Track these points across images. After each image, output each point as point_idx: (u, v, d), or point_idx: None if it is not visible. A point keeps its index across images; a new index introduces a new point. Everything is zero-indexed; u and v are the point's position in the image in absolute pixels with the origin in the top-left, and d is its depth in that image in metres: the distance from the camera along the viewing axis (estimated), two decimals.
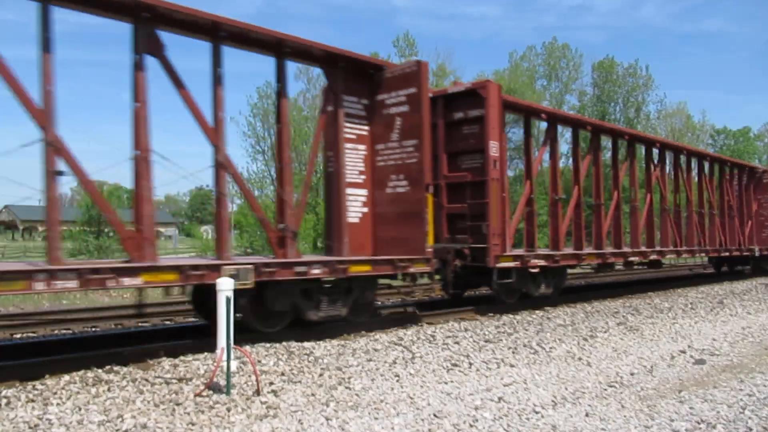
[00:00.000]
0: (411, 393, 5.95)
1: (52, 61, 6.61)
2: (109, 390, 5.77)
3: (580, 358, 7.72)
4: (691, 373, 7.13)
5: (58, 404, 5.34)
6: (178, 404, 5.36)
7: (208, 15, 7.69)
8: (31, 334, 9.59)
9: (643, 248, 15.65)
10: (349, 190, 9.50)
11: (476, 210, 11.20)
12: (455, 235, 11.62)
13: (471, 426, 5.04)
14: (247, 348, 7.31)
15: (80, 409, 5.20)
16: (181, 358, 7.10)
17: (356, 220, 9.63)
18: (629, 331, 9.70)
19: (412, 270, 9.37)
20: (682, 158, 18.15)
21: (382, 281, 9.93)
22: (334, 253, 9.29)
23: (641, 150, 16.43)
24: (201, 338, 8.03)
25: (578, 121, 14.80)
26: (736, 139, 70.57)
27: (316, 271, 8.34)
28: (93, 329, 10.19)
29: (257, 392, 5.76)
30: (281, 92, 8.96)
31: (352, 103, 9.66)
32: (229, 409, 5.26)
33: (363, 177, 9.78)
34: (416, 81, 9.38)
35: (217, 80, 8.02)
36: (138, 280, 6.86)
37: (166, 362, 6.87)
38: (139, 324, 10.60)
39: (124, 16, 7.32)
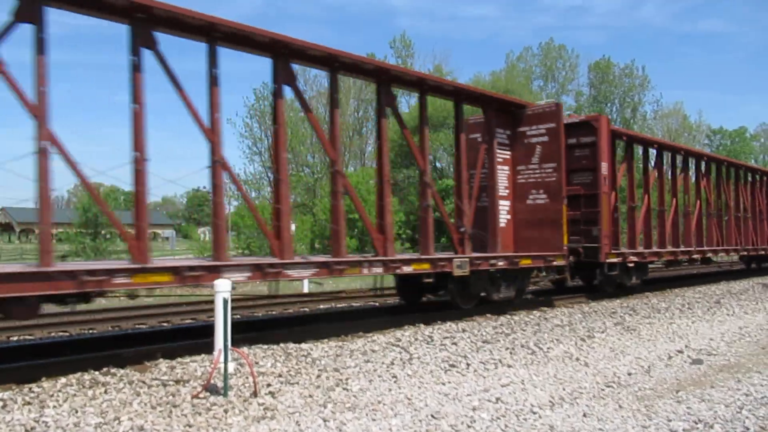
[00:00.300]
0: (409, 394, 5.94)
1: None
2: (106, 392, 5.76)
3: (577, 359, 7.72)
4: (688, 373, 7.14)
5: (54, 407, 5.32)
6: (175, 406, 5.35)
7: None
8: (27, 337, 9.56)
9: (704, 247, 18.51)
10: (500, 202, 12.17)
11: (588, 217, 13.80)
12: (569, 237, 13.61)
13: (468, 427, 5.03)
14: (245, 349, 7.30)
15: (77, 411, 5.19)
16: (179, 359, 7.08)
17: (504, 225, 12.30)
18: (627, 331, 9.71)
19: (555, 263, 12.04)
20: (723, 169, 20.31)
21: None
22: (489, 251, 11.70)
23: (691, 162, 19.09)
24: (198, 339, 8.02)
25: (648, 141, 17.37)
26: (732, 140, 70.76)
27: (500, 264, 11.11)
28: (90, 331, 10.17)
29: (255, 394, 5.75)
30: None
31: (500, 134, 12.36)
32: (226, 411, 5.25)
33: (507, 191, 12.54)
34: (555, 118, 12.23)
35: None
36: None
37: (163, 364, 6.86)
38: (136, 326, 10.58)
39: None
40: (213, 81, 7.97)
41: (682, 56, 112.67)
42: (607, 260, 13.46)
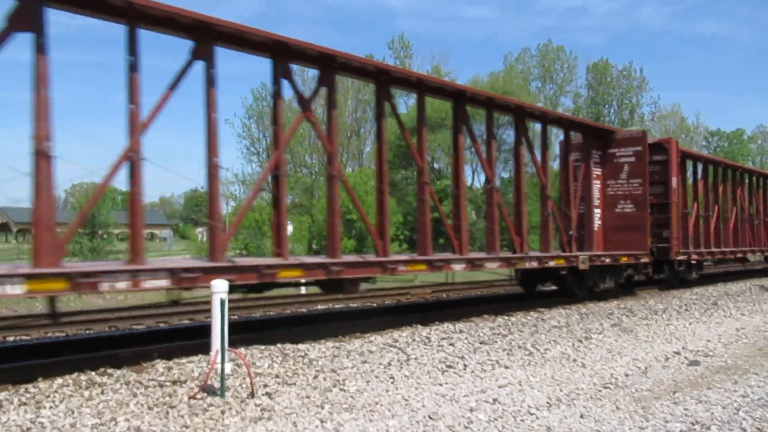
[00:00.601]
0: (406, 395, 5.94)
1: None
2: (102, 393, 5.74)
3: (574, 360, 7.72)
4: (685, 375, 7.14)
5: (50, 407, 5.30)
6: (171, 407, 5.33)
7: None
8: (24, 337, 9.54)
9: (741, 248, 21.35)
10: (594, 210, 15.11)
11: (659, 222, 16.17)
12: None
13: (466, 428, 5.03)
14: (242, 350, 7.28)
15: (73, 412, 5.17)
16: (175, 360, 7.06)
17: (596, 229, 15.10)
18: (624, 333, 9.72)
19: (641, 261, 14.96)
20: (753, 179, 23.03)
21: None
22: (586, 249, 14.30)
23: (729, 173, 21.28)
24: (195, 340, 8.01)
25: (696, 156, 20.39)
26: (729, 141, 70.92)
27: (607, 261, 13.85)
28: (87, 331, 10.15)
29: (252, 395, 5.74)
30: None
31: (594, 154, 15.17)
32: (223, 412, 5.24)
33: (598, 201, 15.35)
34: (641, 142, 15.24)
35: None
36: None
37: (160, 365, 6.84)
38: (133, 326, 10.56)
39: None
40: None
41: (680, 58, 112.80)
42: (677, 258, 16.18)
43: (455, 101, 11.24)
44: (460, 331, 9.36)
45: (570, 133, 14.57)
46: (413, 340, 8.62)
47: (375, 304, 13.79)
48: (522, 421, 5.25)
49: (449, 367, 7.13)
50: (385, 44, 62.42)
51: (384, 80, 9.98)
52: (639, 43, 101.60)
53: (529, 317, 11.11)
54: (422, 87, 10.79)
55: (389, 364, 7.19)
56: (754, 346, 8.97)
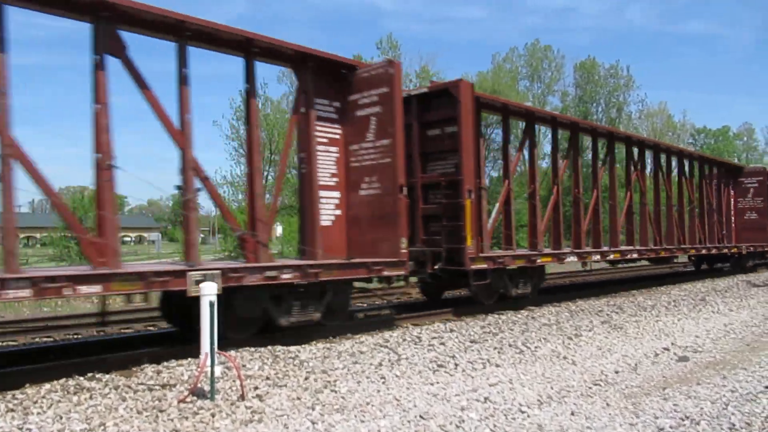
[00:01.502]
0: (397, 395, 5.93)
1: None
2: (91, 398, 5.69)
3: (565, 357, 7.75)
4: (674, 371, 7.19)
5: (38, 413, 5.25)
6: (161, 411, 5.29)
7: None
8: (11, 343, 9.43)
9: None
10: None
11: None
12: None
13: (457, 427, 5.03)
14: (232, 353, 7.25)
15: (61, 417, 5.12)
16: (165, 364, 7.02)
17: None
18: (613, 330, 9.76)
19: None
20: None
21: None
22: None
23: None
24: (185, 343, 7.95)
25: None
26: (715, 138, 71.54)
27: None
28: (75, 336, 10.06)
29: (242, 397, 5.71)
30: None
31: (729, 181, 22.13)
32: (213, 415, 5.21)
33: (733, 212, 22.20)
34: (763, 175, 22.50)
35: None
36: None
37: (149, 368, 6.79)
38: (122, 330, 10.48)
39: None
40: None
41: (667, 57, 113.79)
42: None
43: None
44: (451, 330, 9.37)
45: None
46: (404, 339, 8.62)
47: (365, 304, 13.77)
48: (513, 419, 5.26)
49: (440, 366, 7.13)
50: (374, 45, 62.41)
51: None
52: (627, 42, 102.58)
53: (519, 315, 11.14)
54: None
55: (380, 364, 7.18)
56: (742, 342, 9.04)
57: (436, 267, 11.10)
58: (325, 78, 9.55)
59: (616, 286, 17.45)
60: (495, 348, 8.18)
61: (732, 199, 22.40)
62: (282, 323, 8.44)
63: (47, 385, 6.12)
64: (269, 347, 7.86)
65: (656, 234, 17.52)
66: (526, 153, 14.08)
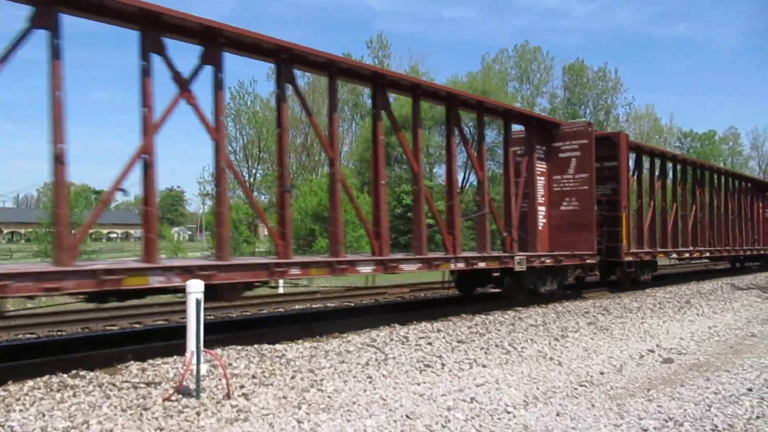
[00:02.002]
0: (384, 394, 5.93)
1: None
2: (74, 395, 5.63)
3: (551, 358, 7.78)
4: (659, 372, 7.24)
5: (21, 410, 5.19)
6: (146, 409, 5.25)
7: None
8: None
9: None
10: None
11: None
12: None
13: (443, 427, 5.04)
14: (218, 351, 7.21)
15: (44, 415, 5.06)
16: (150, 361, 6.97)
17: None
18: (599, 331, 9.83)
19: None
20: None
21: None
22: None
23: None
24: (171, 341, 7.90)
25: None
26: (702, 142, 72.21)
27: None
28: (59, 333, 9.96)
29: (228, 396, 5.68)
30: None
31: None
32: (198, 414, 5.18)
33: None
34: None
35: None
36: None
37: (134, 366, 6.74)
38: (107, 327, 10.39)
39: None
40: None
41: (655, 60, 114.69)
42: None
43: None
44: (438, 330, 9.38)
45: None
46: (391, 339, 8.62)
47: (353, 304, 13.76)
48: (499, 419, 5.27)
49: (427, 366, 7.13)
50: (364, 44, 62.30)
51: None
52: (615, 45, 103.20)
53: (506, 316, 11.18)
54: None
55: (367, 363, 7.17)
56: (726, 344, 9.13)
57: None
58: (540, 131, 13.88)
59: (692, 276, 22.29)
60: (482, 348, 8.20)
61: (760, 209, 26.60)
62: (541, 291, 13.15)
63: (30, 382, 6.05)
64: (256, 345, 7.83)
65: (711, 238, 21.44)
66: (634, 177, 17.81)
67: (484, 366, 7.27)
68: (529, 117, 14.17)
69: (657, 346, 8.75)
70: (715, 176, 22.40)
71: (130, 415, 5.12)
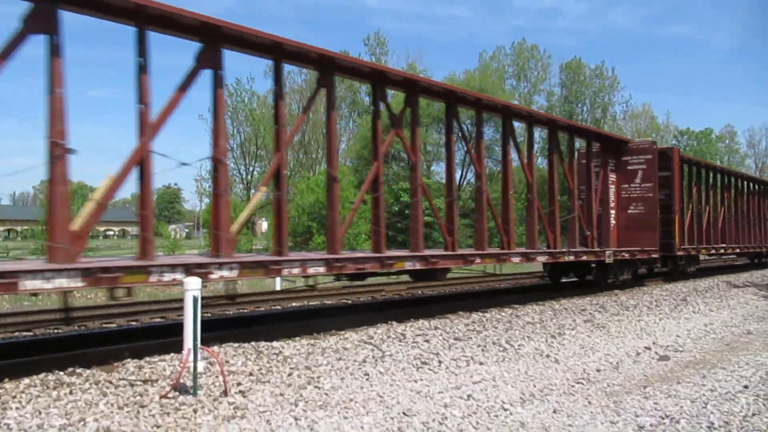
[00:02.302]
0: (381, 392, 5.93)
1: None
2: (71, 393, 5.62)
3: (548, 356, 7.80)
4: (655, 369, 7.26)
5: (17, 408, 5.17)
6: (142, 406, 5.25)
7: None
8: None
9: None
10: None
11: None
12: None
13: (440, 424, 5.04)
14: (215, 348, 7.21)
15: (40, 412, 5.05)
16: (147, 359, 6.96)
17: None
18: (596, 329, 9.84)
19: None
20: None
21: None
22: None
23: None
24: (168, 338, 7.89)
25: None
26: (698, 140, 72.31)
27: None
28: (55, 331, 9.93)
29: (225, 393, 5.68)
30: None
31: None
32: (195, 411, 5.17)
33: None
34: None
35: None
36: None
37: (131, 364, 6.73)
38: (103, 325, 10.37)
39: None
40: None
41: (651, 59, 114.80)
42: None
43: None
44: (435, 328, 9.39)
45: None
46: (388, 336, 8.62)
47: (350, 301, 13.76)
48: (496, 416, 5.28)
49: (424, 363, 7.14)
50: (361, 42, 62.25)
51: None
52: (611, 44, 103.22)
53: (503, 313, 11.19)
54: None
55: (364, 360, 7.17)
56: (722, 341, 9.15)
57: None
58: (609, 147, 16.81)
59: (724, 269, 25.43)
60: (479, 346, 8.21)
61: None
62: (620, 278, 16.19)
63: (26, 380, 6.04)
64: (253, 343, 7.83)
65: (737, 236, 23.85)
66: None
67: (481, 363, 7.28)
68: (604, 136, 17.32)
69: (653, 343, 8.77)
70: (738, 181, 25.27)
71: (127, 412, 5.11)
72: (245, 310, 12.21)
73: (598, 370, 7.09)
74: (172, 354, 7.10)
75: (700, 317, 11.54)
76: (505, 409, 5.47)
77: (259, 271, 8.11)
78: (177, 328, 7.28)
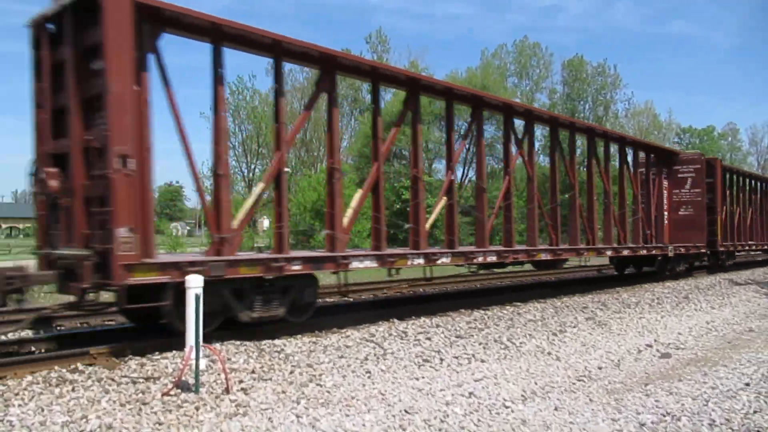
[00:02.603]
0: (382, 389, 5.94)
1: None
2: (73, 390, 5.64)
3: (549, 353, 7.80)
4: (657, 367, 7.26)
5: (20, 405, 5.19)
6: (144, 404, 5.26)
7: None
8: None
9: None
10: None
11: None
12: None
13: (442, 421, 5.05)
14: (217, 346, 7.23)
15: (43, 409, 5.07)
16: (149, 356, 6.98)
17: None
18: (598, 326, 9.85)
19: None
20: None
21: None
22: None
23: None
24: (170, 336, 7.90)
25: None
26: (700, 138, 72.13)
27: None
28: (58, 328, 9.95)
29: (227, 390, 5.69)
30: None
31: None
32: (197, 408, 5.18)
33: None
34: None
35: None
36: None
37: (133, 361, 6.75)
38: (105, 322, 10.38)
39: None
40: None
41: (653, 57, 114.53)
42: None
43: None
44: (437, 326, 9.39)
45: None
46: (390, 334, 8.63)
47: (352, 299, 13.77)
48: (497, 414, 5.29)
49: (426, 361, 7.14)
50: (363, 40, 62.22)
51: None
52: (613, 42, 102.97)
53: (505, 311, 11.20)
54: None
55: (366, 358, 7.18)
56: (724, 339, 9.15)
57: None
58: (663, 158, 19.99)
59: (750, 264, 27.11)
60: (480, 343, 8.22)
61: None
62: (677, 269, 19.18)
63: (29, 377, 6.06)
64: (254, 341, 7.84)
65: (763, 234, 26.82)
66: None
67: (482, 361, 7.29)
68: (660, 149, 20.90)
69: (655, 341, 8.77)
70: (764, 184, 27.76)
71: (129, 409, 5.13)
72: None
73: (600, 368, 7.10)
74: (174, 351, 7.11)
75: (702, 315, 11.53)
76: (507, 407, 5.47)
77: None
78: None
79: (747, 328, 10.14)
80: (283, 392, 5.74)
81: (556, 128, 14.62)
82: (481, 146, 12.52)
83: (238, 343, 7.68)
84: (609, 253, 15.90)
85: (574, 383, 6.38)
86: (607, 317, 10.73)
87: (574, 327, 9.69)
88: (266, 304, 8.30)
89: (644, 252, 17.33)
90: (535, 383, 6.33)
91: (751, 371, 6.92)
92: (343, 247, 9.34)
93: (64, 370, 6.31)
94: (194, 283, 6.01)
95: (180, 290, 6.46)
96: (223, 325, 8.09)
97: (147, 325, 8.27)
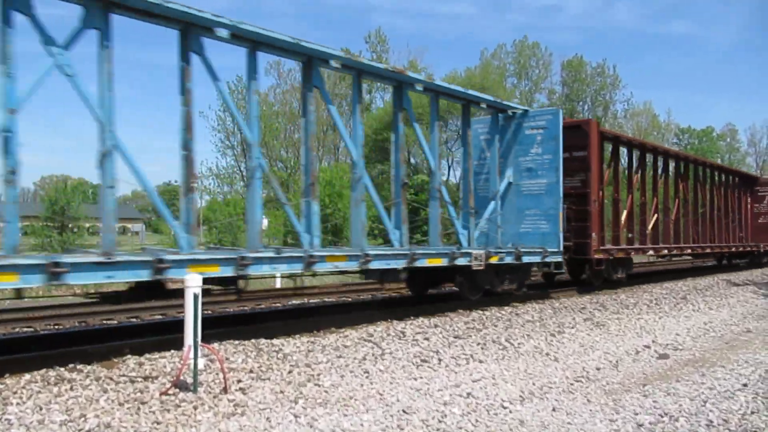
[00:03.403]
0: (380, 389, 5.94)
1: None
2: (71, 389, 5.64)
3: (547, 354, 7.81)
4: (655, 368, 7.27)
5: (18, 404, 5.19)
6: (143, 403, 5.26)
7: None
8: None
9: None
10: None
11: None
12: None
13: (440, 421, 5.06)
14: (215, 345, 7.23)
15: (41, 408, 5.07)
16: (147, 355, 6.98)
17: None
18: (596, 327, 9.86)
19: None
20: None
21: None
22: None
23: None
24: (168, 335, 7.90)
25: None
26: (699, 139, 72.25)
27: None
28: (56, 327, 9.96)
29: (225, 390, 5.69)
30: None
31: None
32: (195, 408, 5.19)
33: None
34: None
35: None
36: None
37: (132, 360, 6.75)
38: (104, 321, 10.40)
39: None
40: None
41: (652, 57, 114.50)
42: None
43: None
44: (435, 326, 9.40)
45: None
46: (388, 334, 8.63)
47: (350, 299, 13.78)
48: (495, 414, 5.30)
49: (424, 361, 7.15)
50: (362, 39, 62.16)
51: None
52: (612, 42, 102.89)
53: (503, 312, 11.20)
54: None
55: (364, 358, 7.19)
56: (721, 340, 9.17)
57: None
58: (747, 181, 26.32)
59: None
60: (478, 344, 8.23)
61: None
62: (763, 261, 26.94)
63: (27, 376, 6.06)
64: (253, 340, 7.84)
65: None
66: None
67: (480, 361, 7.30)
68: (745, 175, 27.92)
69: (653, 341, 8.79)
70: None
71: (128, 408, 5.13)
72: (245, 308, 12.23)
73: (598, 369, 7.11)
74: (172, 351, 7.11)
75: (700, 315, 11.55)
76: (505, 407, 5.48)
77: None
78: (177, 325, 7.31)
79: (745, 329, 10.16)
80: (281, 392, 5.75)
81: (688, 163, 21.34)
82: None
83: (236, 342, 7.68)
84: (708, 250, 21.98)
85: (572, 384, 6.39)
86: (605, 318, 10.74)
87: (573, 328, 9.70)
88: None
89: (741, 249, 24.93)
90: (533, 384, 6.33)
91: (748, 372, 6.94)
92: None
93: (62, 369, 6.31)
94: (193, 283, 6.01)
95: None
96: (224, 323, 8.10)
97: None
